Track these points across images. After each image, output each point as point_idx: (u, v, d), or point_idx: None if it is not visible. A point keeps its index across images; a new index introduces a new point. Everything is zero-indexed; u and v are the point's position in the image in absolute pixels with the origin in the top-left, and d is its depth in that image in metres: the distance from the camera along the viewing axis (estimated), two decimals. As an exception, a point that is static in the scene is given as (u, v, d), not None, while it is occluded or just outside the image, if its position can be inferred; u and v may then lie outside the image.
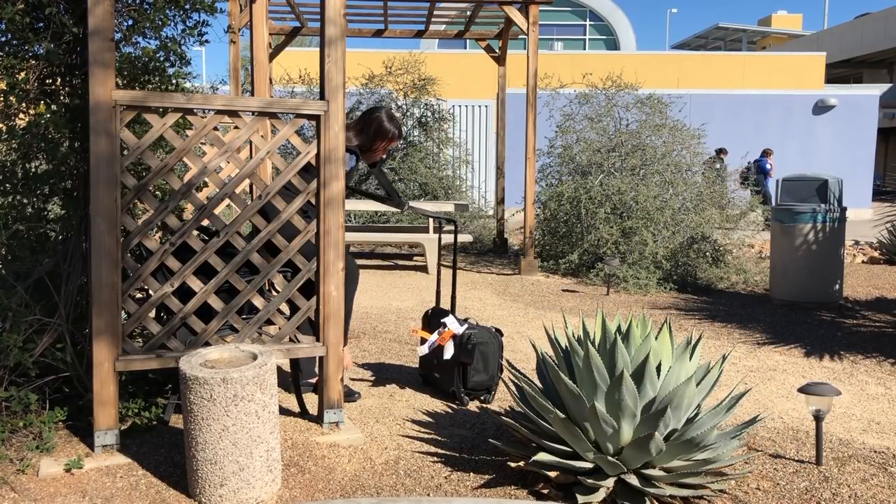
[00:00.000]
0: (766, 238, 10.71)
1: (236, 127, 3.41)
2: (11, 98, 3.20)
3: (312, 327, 3.52)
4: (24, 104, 3.27)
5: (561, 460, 2.75)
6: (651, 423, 2.66)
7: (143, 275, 3.10)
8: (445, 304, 6.41)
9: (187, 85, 3.85)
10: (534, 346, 3.20)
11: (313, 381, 3.92)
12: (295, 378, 3.65)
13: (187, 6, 3.39)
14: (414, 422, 3.57)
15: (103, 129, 2.96)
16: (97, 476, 2.88)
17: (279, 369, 4.34)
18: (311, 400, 3.72)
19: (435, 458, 3.13)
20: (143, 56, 3.48)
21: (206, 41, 3.58)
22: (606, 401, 2.74)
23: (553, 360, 3.32)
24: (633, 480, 2.68)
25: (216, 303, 3.19)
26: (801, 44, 29.32)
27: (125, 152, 3.08)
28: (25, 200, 3.38)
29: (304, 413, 3.59)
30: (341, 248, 3.33)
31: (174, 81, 3.61)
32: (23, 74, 3.24)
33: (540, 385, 3.16)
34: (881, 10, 25.52)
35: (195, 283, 3.19)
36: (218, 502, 2.65)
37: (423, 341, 3.90)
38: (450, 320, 3.81)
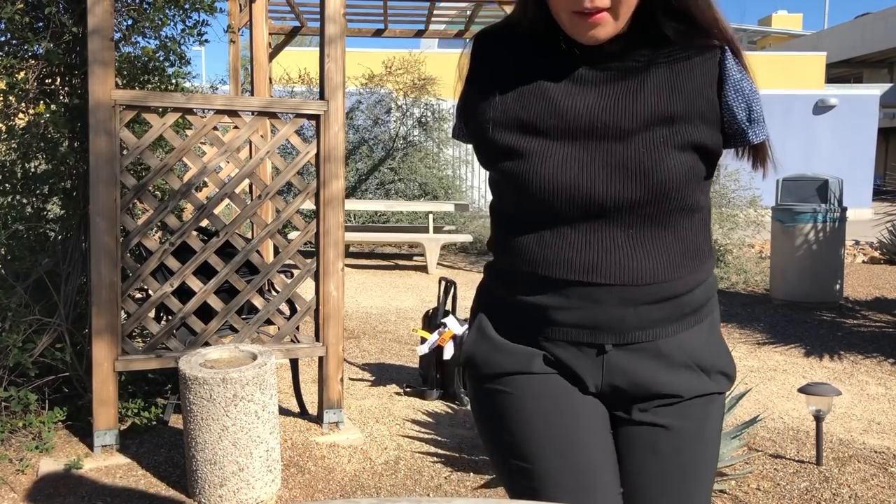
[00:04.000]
0: (766, 238, 10.70)
1: (236, 127, 3.41)
2: (11, 98, 3.20)
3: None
4: (23, 104, 3.27)
5: (561, 460, 2.75)
6: (651, 423, 2.65)
7: (143, 274, 3.10)
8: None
9: (187, 84, 3.84)
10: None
11: None
12: (295, 378, 3.64)
13: (187, 6, 3.39)
14: (414, 422, 3.57)
15: (103, 128, 2.96)
16: (97, 476, 2.87)
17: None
18: (311, 400, 3.72)
19: (435, 458, 3.12)
20: (142, 56, 3.48)
21: (206, 41, 3.58)
22: (606, 401, 2.73)
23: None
24: (633, 481, 2.67)
25: (216, 303, 3.19)
26: (802, 43, 29.32)
27: (125, 152, 3.08)
28: (25, 200, 3.38)
29: (304, 413, 3.59)
30: (341, 247, 3.33)
31: (174, 81, 3.60)
32: (22, 74, 3.23)
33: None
34: (881, 9, 25.49)
35: (195, 283, 3.18)
36: (218, 502, 2.64)
37: (423, 341, 3.90)
38: (450, 320, 3.81)
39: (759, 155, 1.16)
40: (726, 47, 1.10)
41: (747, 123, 1.11)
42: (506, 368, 1.18)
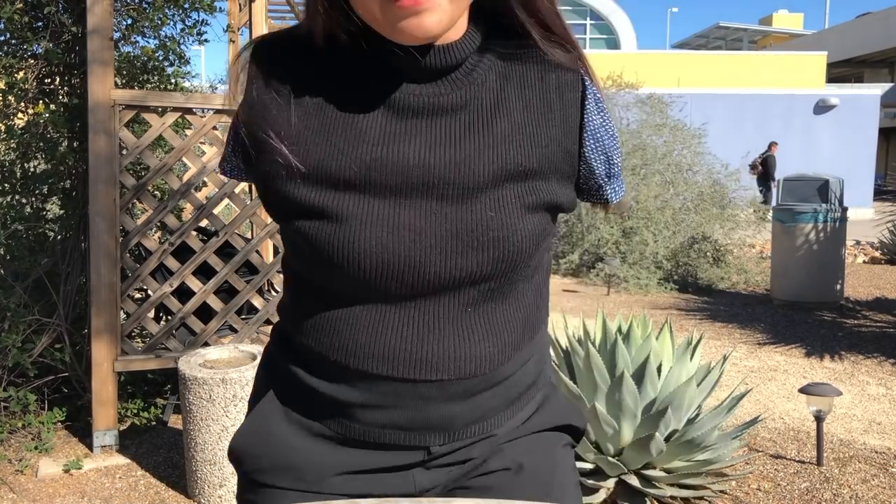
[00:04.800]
0: (766, 238, 10.70)
1: (236, 126, 3.40)
2: (10, 97, 3.19)
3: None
4: (22, 103, 3.27)
5: (561, 461, 2.74)
6: (651, 423, 2.65)
7: (143, 275, 3.10)
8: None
9: (186, 84, 3.84)
10: (534, 347, 3.18)
11: None
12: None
13: (186, 5, 3.38)
14: (414, 422, 3.56)
15: (102, 128, 2.95)
16: (96, 476, 2.87)
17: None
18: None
19: (435, 459, 3.12)
20: (142, 55, 3.48)
21: (205, 40, 3.57)
22: (607, 401, 2.72)
23: (553, 361, 3.31)
24: (633, 481, 2.67)
25: (215, 303, 3.18)
26: (802, 43, 29.30)
27: (124, 152, 3.07)
28: (24, 200, 3.37)
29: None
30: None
31: (173, 81, 3.60)
32: (21, 74, 3.23)
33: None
34: (882, 9, 25.48)
35: (194, 283, 3.18)
36: (217, 503, 2.64)
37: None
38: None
39: (610, 208, 0.97)
40: (586, 80, 0.88)
41: (606, 179, 0.92)
42: (281, 481, 0.89)
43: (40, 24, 3.26)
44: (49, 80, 3.36)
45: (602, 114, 0.90)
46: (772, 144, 14.87)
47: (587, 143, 0.88)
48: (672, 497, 2.68)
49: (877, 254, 9.99)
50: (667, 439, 2.75)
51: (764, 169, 14.45)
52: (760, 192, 14.85)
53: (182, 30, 3.46)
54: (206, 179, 3.26)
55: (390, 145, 0.81)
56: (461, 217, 0.81)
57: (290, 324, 0.90)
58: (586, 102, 0.88)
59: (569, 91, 0.87)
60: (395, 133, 0.81)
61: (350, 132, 0.82)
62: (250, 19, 5.04)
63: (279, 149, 0.82)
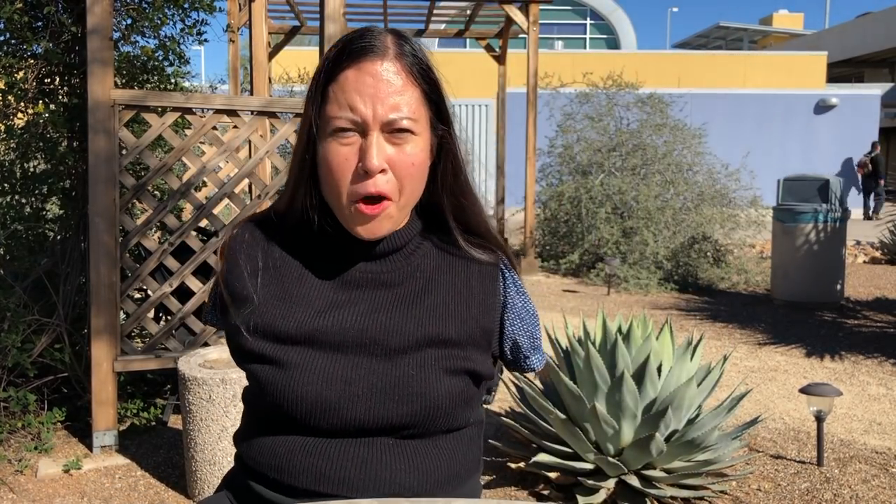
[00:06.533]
0: (767, 238, 10.69)
1: (235, 126, 3.40)
2: (10, 97, 3.19)
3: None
4: (22, 103, 3.26)
5: (561, 461, 2.74)
6: (652, 423, 2.65)
7: (142, 274, 3.09)
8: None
9: (186, 84, 3.84)
10: (534, 347, 3.17)
11: None
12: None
13: (186, 5, 3.38)
14: (414, 422, 3.56)
15: (102, 128, 2.95)
16: (96, 477, 2.87)
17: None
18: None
19: (435, 459, 3.11)
20: (141, 55, 3.47)
21: (205, 40, 3.57)
22: (607, 401, 2.72)
23: (553, 361, 3.31)
24: (633, 481, 2.67)
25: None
26: (803, 43, 29.27)
27: (124, 152, 3.07)
28: (24, 200, 3.37)
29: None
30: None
31: (173, 80, 3.60)
32: (21, 73, 3.23)
33: (540, 386, 3.15)
34: (882, 9, 25.46)
35: (194, 283, 3.17)
36: (216, 503, 2.63)
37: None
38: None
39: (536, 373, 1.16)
40: (505, 270, 1.09)
41: (531, 351, 1.12)
42: None
43: (40, 23, 3.26)
44: (49, 80, 3.35)
45: (522, 297, 1.11)
46: (875, 144, 14.88)
47: (514, 323, 1.09)
48: (672, 497, 2.68)
49: (877, 254, 9.99)
50: (667, 439, 2.75)
51: (874, 168, 14.37)
52: (863, 193, 14.65)
53: (182, 30, 3.45)
54: (205, 179, 3.26)
55: (333, 312, 1.01)
56: (387, 372, 0.98)
57: (244, 448, 1.07)
58: (507, 290, 1.09)
59: (488, 280, 1.07)
60: (339, 302, 1.02)
61: (301, 298, 1.03)
62: (250, 19, 5.04)
63: (241, 308, 1.03)
